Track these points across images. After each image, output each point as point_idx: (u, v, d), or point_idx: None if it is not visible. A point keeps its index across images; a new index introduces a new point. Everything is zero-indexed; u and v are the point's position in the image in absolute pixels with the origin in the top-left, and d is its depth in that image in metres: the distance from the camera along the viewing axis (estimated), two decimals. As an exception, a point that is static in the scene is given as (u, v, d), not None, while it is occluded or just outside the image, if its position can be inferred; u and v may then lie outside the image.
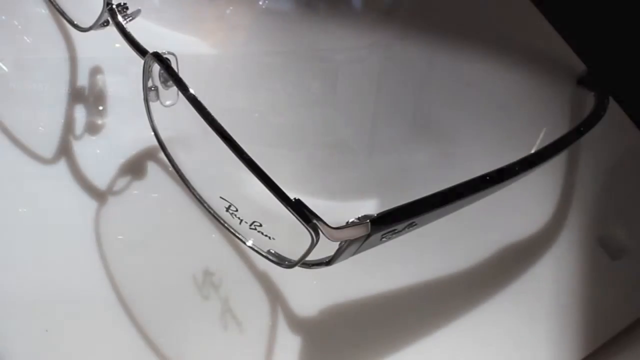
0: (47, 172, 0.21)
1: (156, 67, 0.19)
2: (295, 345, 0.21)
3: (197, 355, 0.20)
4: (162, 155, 0.22)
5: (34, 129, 0.21)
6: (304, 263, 0.18)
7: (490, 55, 0.31)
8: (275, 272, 0.21)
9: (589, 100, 0.31)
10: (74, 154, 0.21)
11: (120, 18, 0.20)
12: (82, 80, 0.23)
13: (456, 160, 0.27)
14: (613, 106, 0.31)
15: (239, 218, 0.20)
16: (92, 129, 0.22)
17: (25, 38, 0.23)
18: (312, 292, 0.22)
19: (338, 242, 0.17)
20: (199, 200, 0.21)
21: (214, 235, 0.22)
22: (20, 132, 0.21)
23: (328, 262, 0.18)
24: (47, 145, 0.21)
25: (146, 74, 0.20)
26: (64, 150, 0.21)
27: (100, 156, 0.22)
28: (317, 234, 0.17)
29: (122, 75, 0.23)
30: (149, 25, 0.24)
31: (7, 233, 0.20)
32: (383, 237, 0.18)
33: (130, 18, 0.20)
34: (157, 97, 0.20)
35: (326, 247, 0.17)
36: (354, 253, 0.18)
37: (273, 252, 0.19)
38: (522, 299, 0.25)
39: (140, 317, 0.20)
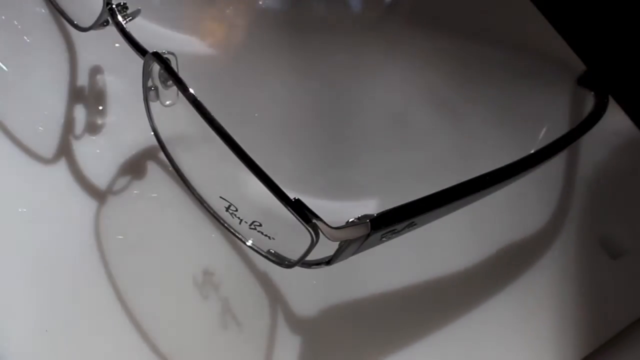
0: (47, 172, 0.21)
1: (156, 67, 0.19)
2: (295, 345, 0.21)
3: (197, 355, 0.20)
4: (162, 155, 0.22)
5: (34, 129, 0.21)
6: (304, 263, 0.18)
7: (490, 55, 0.31)
8: (275, 272, 0.21)
9: (589, 100, 0.31)
10: (74, 153, 0.21)
11: (120, 18, 0.20)
12: (82, 80, 0.23)
13: (456, 160, 0.27)
14: (613, 106, 0.31)
15: (238, 218, 0.20)
16: (92, 129, 0.22)
17: (25, 38, 0.23)
18: (312, 292, 0.22)
19: (338, 242, 0.17)
20: (199, 200, 0.21)
21: (214, 235, 0.22)
22: (20, 132, 0.21)
23: (328, 262, 0.18)
24: (47, 145, 0.21)
25: (146, 73, 0.20)
26: (64, 150, 0.21)
27: (100, 156, 0.22)
28: (317, 234, 0.17)
29: (122, 75, 0.23)
30: (148, 25, 0.24)
31: (7, 233, 0.20)
32: (383, 237, 0.18)
33: (130, 18, 0.20)
34: (157, 97, 0.20)
35: (326, 247, 0.17)
36: (354, 253, 0.18)
37: (273, 252, 0.19)
38: (522, 299, 0.25)
39: (140, 316, 0.20)
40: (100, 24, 0.21)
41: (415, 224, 0.19)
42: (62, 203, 0.21)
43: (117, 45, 0.21)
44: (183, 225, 0.22)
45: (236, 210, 0.20)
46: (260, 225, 0.19)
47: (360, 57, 0.28)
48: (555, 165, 0.28)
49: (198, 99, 0.18)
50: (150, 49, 0.19)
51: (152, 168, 0.22)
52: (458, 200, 0.20)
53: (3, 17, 0.23)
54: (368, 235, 0.17)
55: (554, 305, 0.25)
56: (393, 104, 0.27)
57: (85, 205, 0.21)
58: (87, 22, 0.22)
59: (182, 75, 0.19)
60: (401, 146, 0.26)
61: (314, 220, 0.16)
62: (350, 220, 0.17)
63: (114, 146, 0.22)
